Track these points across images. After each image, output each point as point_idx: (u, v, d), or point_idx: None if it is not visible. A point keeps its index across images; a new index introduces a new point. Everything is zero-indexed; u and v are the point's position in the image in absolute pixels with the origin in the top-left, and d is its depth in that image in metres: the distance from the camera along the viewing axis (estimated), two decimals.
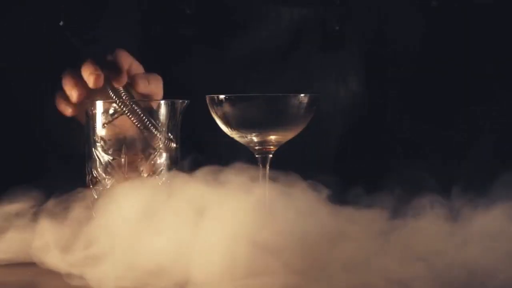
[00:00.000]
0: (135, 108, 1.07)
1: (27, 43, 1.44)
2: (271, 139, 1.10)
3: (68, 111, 1.14)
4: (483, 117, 1.52)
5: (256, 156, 1.11)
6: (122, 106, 1.07)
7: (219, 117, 1.09)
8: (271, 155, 1.11)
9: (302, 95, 1.08)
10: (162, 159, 1.09)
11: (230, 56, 1.44)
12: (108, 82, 1.11)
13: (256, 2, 1.44)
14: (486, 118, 1.52)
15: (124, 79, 1.12)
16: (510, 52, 1.54)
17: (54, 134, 1.31)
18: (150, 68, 1.41)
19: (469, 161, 1.45)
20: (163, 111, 1.08)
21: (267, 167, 1.11)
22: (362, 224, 1.00)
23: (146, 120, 1.07)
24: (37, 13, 1.42)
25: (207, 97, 1.10)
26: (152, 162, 1.08)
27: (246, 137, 1.10)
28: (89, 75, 1.09)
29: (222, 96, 1.08)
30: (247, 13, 1.44)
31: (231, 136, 1.11)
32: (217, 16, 1.45)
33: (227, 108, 1.08)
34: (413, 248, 0.98)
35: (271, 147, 1.11)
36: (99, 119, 1.08)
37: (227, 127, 1.10)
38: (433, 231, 1.03)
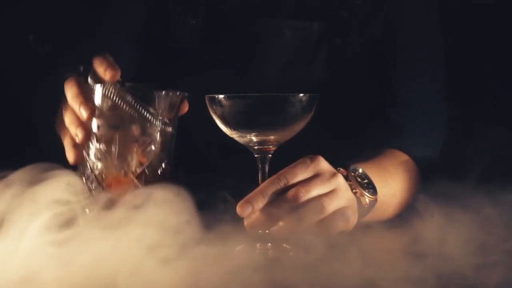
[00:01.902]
0: (126, 96, 1.05)
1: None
2: (271, 139, 1.10)
3: (75, 156, 1.09)
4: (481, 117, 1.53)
5: (256, 156, 1.11)
6: (111, 95, 1.05)
7: (219, 117, 1.09)
8: (270, 155, 1.11)
9: (301, 95, 1.08)
10: (156, 148, 1.08)
11: (233, 66, 1.44)
12: (93, 75, 1.08)
13: (261, 15, 1.44)
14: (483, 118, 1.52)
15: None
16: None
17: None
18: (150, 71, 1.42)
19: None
20: (161, 100, 1.07)
21: (266, 167, 1.11)
22: None
23: (138, 106, 1.05)
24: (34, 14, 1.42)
25: (207, 97, 1.10)
26: (146, 150, 1.07)
27: (246, 137, 1.10)
28: (76, 128, 1.07)
29: (221, 96, 1.08)
30: (251, 26, 1.44)
31: (231, 136, 1.11)
32: (222, 28, 1.44)
33: (226, 108, 1.08)
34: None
35: (271, 146, 1.11)
36: (96, 104, 1.07)
37: (227, 127, 1.10)
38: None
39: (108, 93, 1.05)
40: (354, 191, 1.15)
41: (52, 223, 0.99)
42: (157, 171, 1.08)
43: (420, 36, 1.45)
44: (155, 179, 1.07)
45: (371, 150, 1.35)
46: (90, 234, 0.99)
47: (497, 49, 1.56)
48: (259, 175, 1.12)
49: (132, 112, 1.05)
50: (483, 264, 0.99)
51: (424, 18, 1.46)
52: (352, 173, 1.17)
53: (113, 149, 1.06)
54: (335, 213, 1.10)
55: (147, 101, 1.06)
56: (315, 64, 1.43)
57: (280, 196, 1.08)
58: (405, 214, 1.23)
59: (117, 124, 1.06)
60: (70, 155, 1.09)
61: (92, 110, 1.06)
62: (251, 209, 1.07)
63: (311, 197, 1.08)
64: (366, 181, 1.18)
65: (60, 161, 1.07)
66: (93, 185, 1.07)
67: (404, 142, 1.40)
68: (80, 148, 1.08)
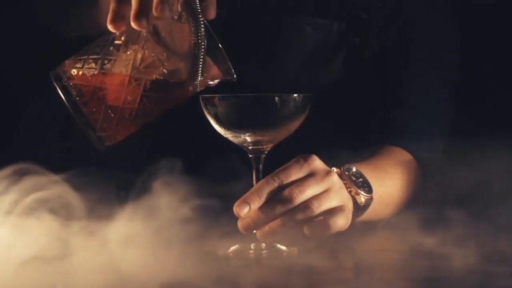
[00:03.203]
0: (200, 26, 1.01)
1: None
2: (265, 139, 1.10)
3: (117, 25, 1.02)
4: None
5: (250, 156, 1.11)
6: (193, 15, 1.02)
7: (213, 117, 1.09)
8: (264, 155, 1.11)
9: (295, 95, 1.08)
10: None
11: (251, 61, 1.43)
12: None
13: (282, 11, 1.43)
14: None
15: None
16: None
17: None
18: None
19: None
20: (215, 57, 1.05)
21: (260, 167, 1.11)
22: None
23: (202, 45, 1.01)
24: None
25: (201, 97, 1.10)
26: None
27: (240, 137, 1.10)
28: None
29: (215, 96, 1.08)
30: (272, 21, 1.43)
31: (225, 136, 1.11)
32: (243, 21, 1.44)
33: (220, 108, 1.08)
34: None
35: (265, 147, 1.11)
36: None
37: (221, 127, 1.10)
38: None
39: (191, 11, 1.01)
40: (348, 190, 1.15)
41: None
42: (153, 108, 1.04)
43: (431, 39, 1.45)
44: (145, 111, 1.03)
45: (371, 149, 1.35)
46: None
47: (497, 49, 1.55)
48: (254, 175, 1.12)
49: (190, 44, 1.02)
50: (484, 265, 0.99)
51: (439, 20, 1.47)
52: (346, 172, 1.17)
53: (146, 56, 1.02)
54: (329, 212, 1.10)
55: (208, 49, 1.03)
56: (332, 64, 1.43)
57: (274, 197, 1.08)
58: (404, 214, 1.23)
59: (169, 44, 1.03)
60: (112, 22, 1.02)
61: (168, 14, 1.01)
62: (248, 209, 1.07)
63: (305, 197, 1.08)
64: (361, 179, 1.18)
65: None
66: (103, 62, 1.02)
67: (405, 142, 1.39)
68: (124, 21, 1.02)
